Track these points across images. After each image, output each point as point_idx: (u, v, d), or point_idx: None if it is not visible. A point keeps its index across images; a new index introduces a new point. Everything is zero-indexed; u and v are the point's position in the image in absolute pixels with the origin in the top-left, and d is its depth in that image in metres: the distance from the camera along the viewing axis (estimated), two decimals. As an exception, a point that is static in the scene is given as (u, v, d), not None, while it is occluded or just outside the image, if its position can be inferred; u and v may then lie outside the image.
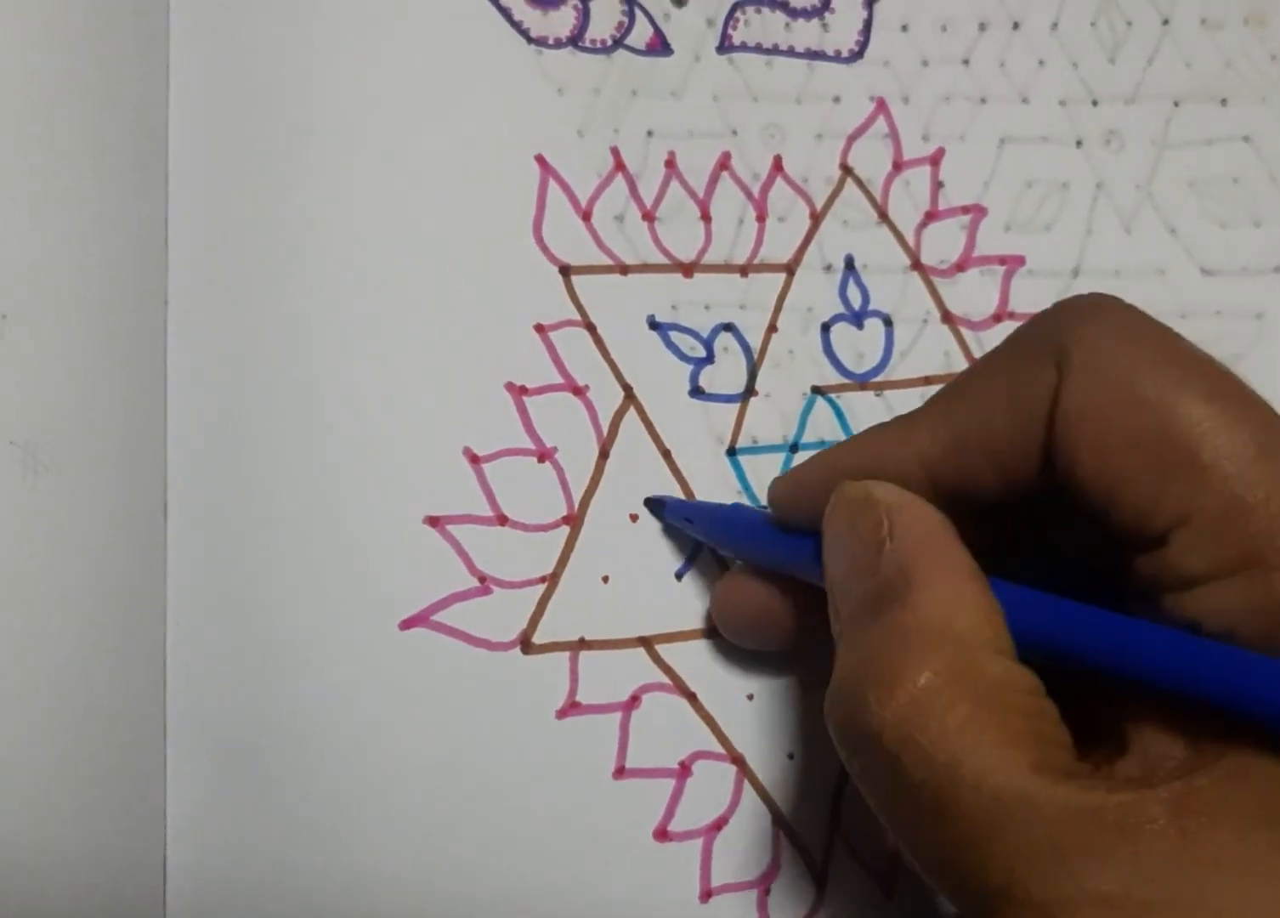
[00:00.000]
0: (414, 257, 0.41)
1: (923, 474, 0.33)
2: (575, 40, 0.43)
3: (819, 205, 0.43)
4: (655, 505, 0.41)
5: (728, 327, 0.42)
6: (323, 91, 0.41)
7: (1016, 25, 0.44)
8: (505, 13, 0.42)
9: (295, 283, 0.41)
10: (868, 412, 0.42)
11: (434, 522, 0.40)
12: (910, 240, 0.43)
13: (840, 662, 0.30)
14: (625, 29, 0.43)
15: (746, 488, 0.42)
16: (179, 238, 0.40)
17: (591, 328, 0.42)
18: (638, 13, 0.43)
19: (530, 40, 0.43)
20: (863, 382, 0.43)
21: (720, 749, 0.40)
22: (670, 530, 0.41)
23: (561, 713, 0.40)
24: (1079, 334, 0.30)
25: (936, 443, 0.33)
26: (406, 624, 0.39)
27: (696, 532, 0.40)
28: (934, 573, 0.29)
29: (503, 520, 0.40)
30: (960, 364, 0.43)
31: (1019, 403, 0.31)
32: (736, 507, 0.39)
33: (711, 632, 0.41)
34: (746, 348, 0.42)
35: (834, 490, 0.33)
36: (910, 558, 0.30)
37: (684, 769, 0.40)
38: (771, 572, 0.37)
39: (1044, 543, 0.34)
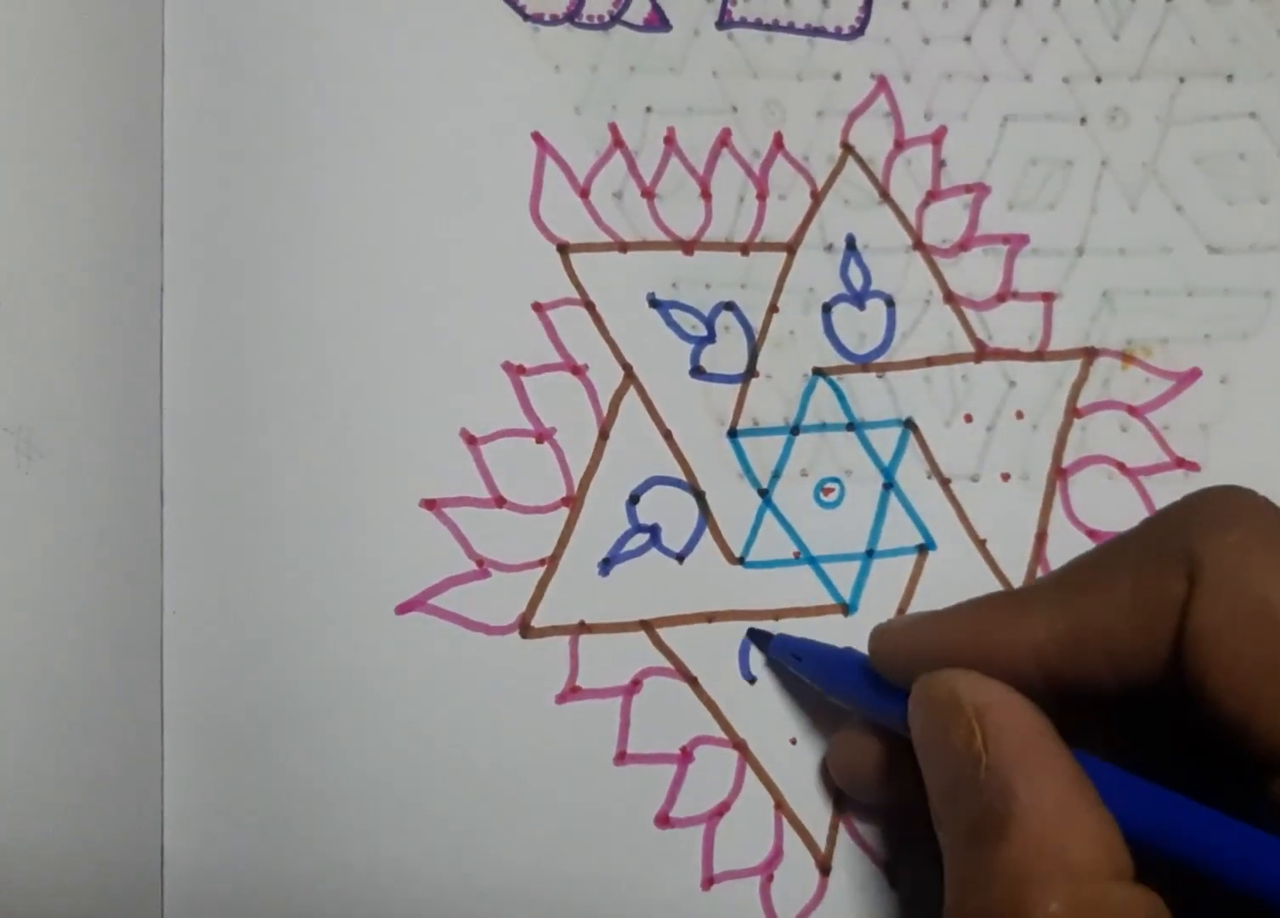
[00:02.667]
0: (410, 237, 0.41)
1: (1035, 665, 0.31)
2: (572, 17, 0.42)
3: (820, 184, 0.42)
4: (760, 638, 0.40)
5: (729, 305, 0.42)
6: (318, 72, 0.41)
7: (1019, 2, 0.44)
8: (501, -11, 0.42)
9: (290, 266, 0.40)
10: (869, 394, 0.42)
11: (430, 504, 0.40)
12: (912, 220, 0.43)
13: (950, 897, 0.29)
14: (623, 5, 0.42)
15: (747, 470, 0.41)
16: (174, 222, 0.40)
17: (590, 306, 0.41)
18: (635, -12, 0.43)
19: (526, 17, 0.42)
20: (864, 363, 0.42)
21: (722, 734, 0.40)
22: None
23: (561, 698, 0.39)
24: (1211, 543, 0.29)
25: (1054, 636, 0.31)
26: (403, 608, 0.39)
27: (802, 671, 0.39)
28: (1037, 793, 0.28)
29: (500, 502, 0.40)
30: (963, 345, 0.42)
31: (1146, 611, 0.30)
32: (847, 651, 0.38)
33: (714, 616, 0.40)
34: (748, 327, 0.42)
35: (917, 683, 0.32)
36: (1010, 776, 0.28)
37: (685, 755, 0.40)
38: (882, 726, 0.36)
39: (1160, 732, 0.33)
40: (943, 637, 0.33)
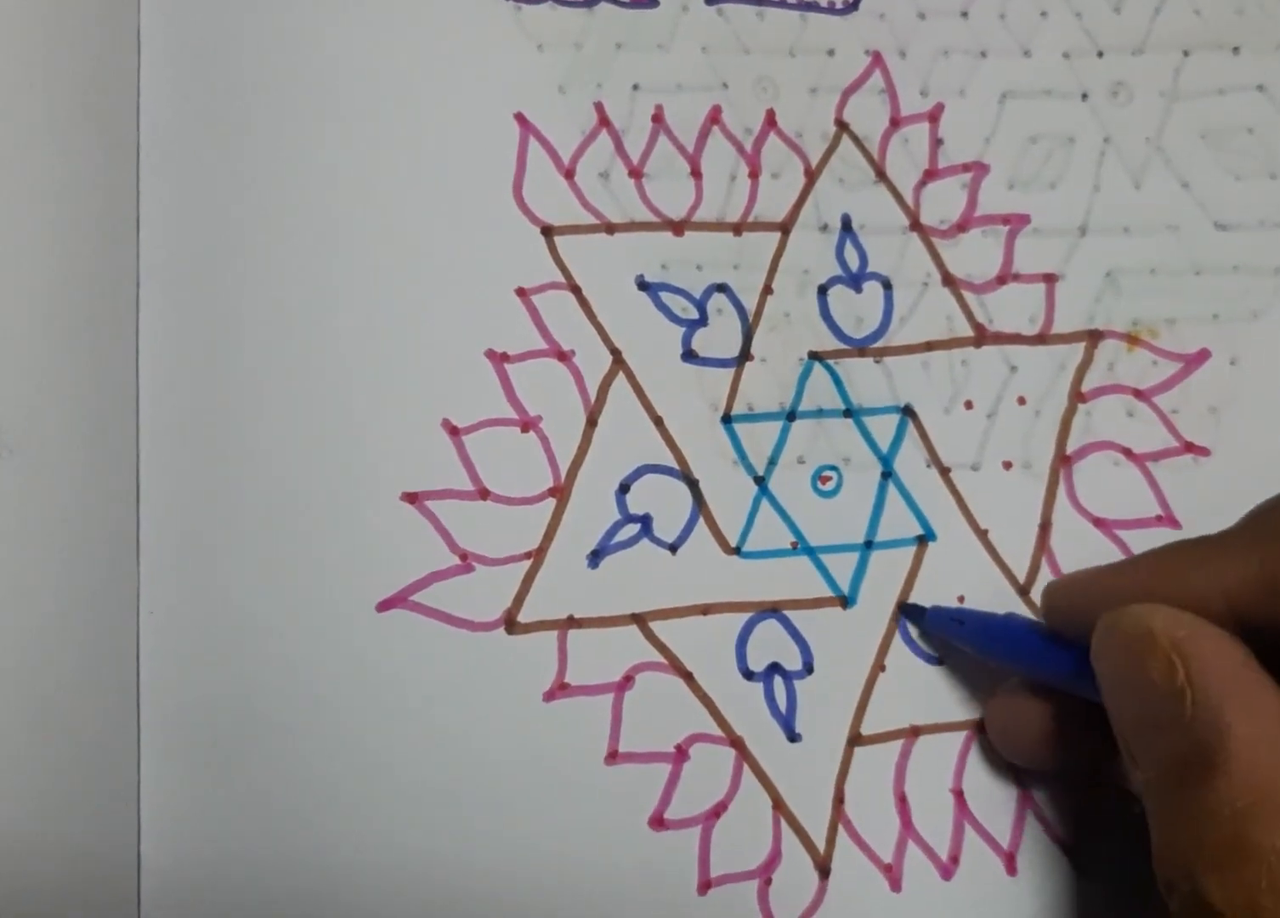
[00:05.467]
0: (389, 222, 0.40)
1: (1227, 612, 0.30)
2: (556, -6, 0.41)
3: (814, 162, 0.41)
4: (914, 612, 0.40)
5: (721, 287, 0.41)
6: (295, 56, 0.40)
7: (1016, -24, 0.43)
8: (482, -32, 0.41)
9: (267, 257, 0.39)
10: (867, 378, 0.41)
11: (412, 498, 0.39)
12: (909, 199, 0.42)
13: (1160, 836, 0.28)
14: (608, -20, 0.41)
15: (742, 457, 0.40)
16: (150, 214, 0.39)
17: (576, 290, 0.40)
18: (621, -37, 0.42)
19: (508, -4, 0.41)
20: (861, 347, 0.41)
21: (718, 732, 0.39)
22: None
23: (549, 695, 0.38)
24: None
25: (1247, 580, 0.30)
26: (384, 606, 0.38)
27: (963, 636, 0.38)
28: (1252, 726, 0.27)
29: (484, 494, 0.39)
30: (963, 328, 0.41)
31: None
32: (1009, 616, 0.38)
33: (709, 608, 0.39)
34: (741, 310, 0.41)
35: (1103, 620, 0.31)
36: (1219, 708, 0.27)
37: (680, 753, 0.39)
38: (1048, 687, 0.36)
39: None
40: (1125, 586, 0.32)
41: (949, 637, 0.39)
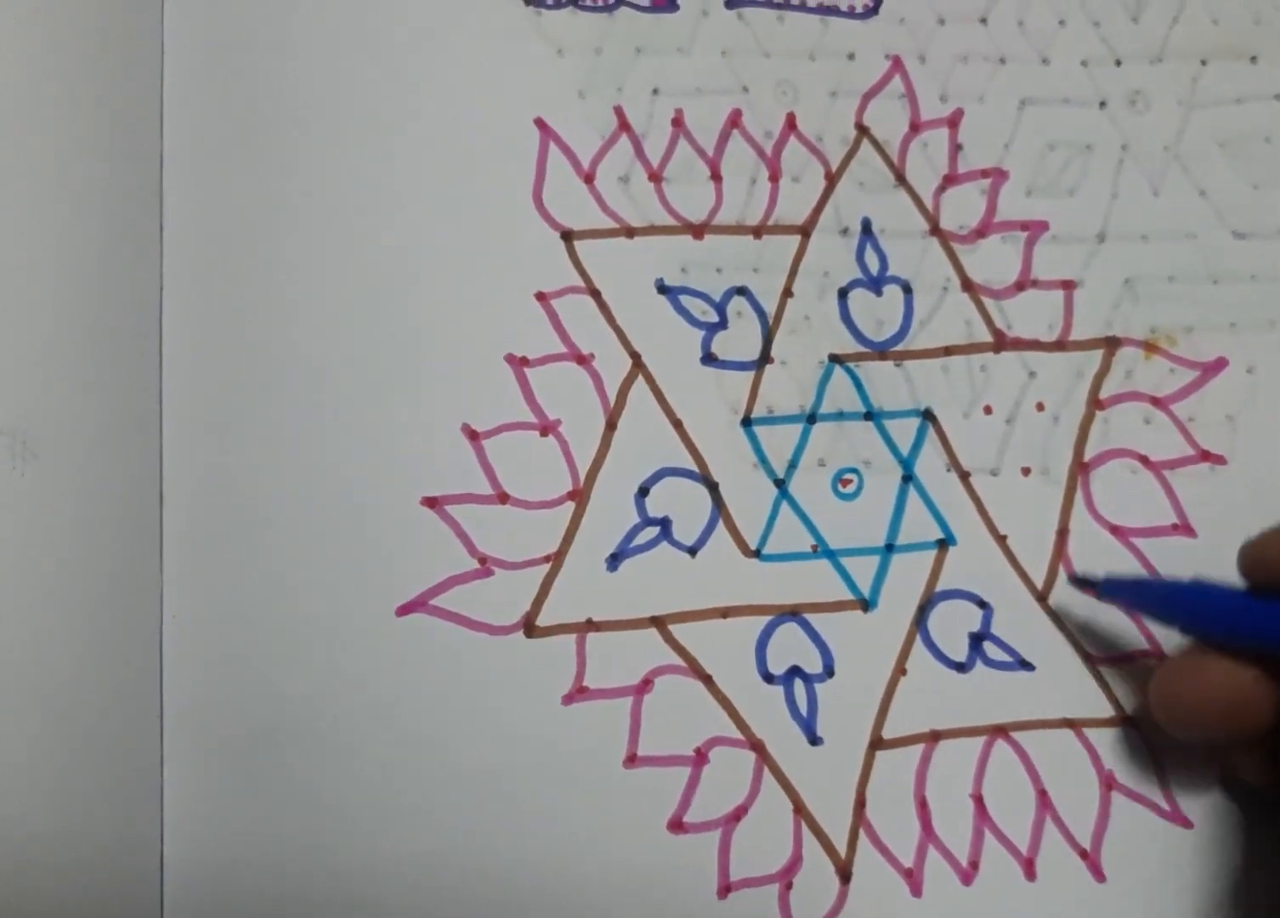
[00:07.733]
0: (410, 227, 0.40)
1: None
2: (575, -1, 0.41)
3: (834, 166, 0.41)
4: (1085, 583, 0.39)
5: (741, 290, 0.41)
6: (318, 60, 0.40)
7: (1034, -16, 0.43)
8: (501, -27, 0.41)
9: (290, 261, 0.39)
10: (887, 382, 0.41)
11: (432, 502, 0.39)
12: (929, 204, 0.42)
13: None
14: (628, -14, 0.42)
15: (763, 460, 0.40)
16: (174, 219, 0.39)
17: (596, 294, 0.40)
18: (641, -33, 0.42)
19: (528, 1, 0.41)
20: (882, 351, 0.41)
21: (738, 735, 0.39)
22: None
23: (568, 699, 0.38)
24: None
25: None
26: (404, 610, 0.38)
27: (1144, 607, 0.38)
28: None
29: (504, 499, 0.39)
30: (982, 334, 0.41)
31: None
32: (1195, 581, 0.37)
33: (728, 611, 0.39)
34: (761, 313, 0.40)
35: None
36: None
37: (700, 756, 0.38)
38: (1242, 650, 0.35)
39: None
40: None
41: (1126, 605, 0.38)
